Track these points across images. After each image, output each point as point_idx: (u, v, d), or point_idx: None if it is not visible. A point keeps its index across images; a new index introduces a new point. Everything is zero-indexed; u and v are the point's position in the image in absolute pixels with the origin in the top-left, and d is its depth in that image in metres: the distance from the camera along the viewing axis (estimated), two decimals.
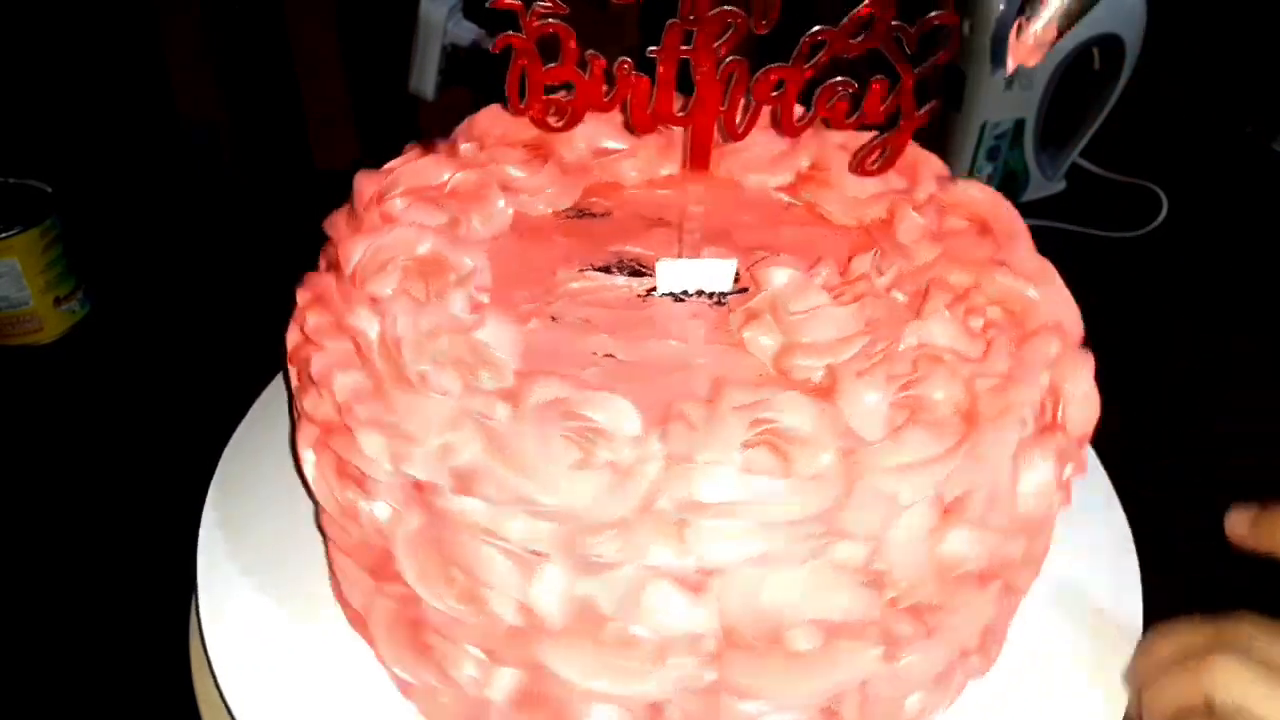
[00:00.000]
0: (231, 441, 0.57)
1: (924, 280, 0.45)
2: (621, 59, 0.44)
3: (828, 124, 0.45)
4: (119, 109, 1.03)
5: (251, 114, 1.08)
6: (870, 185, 0.51)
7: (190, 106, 1.06)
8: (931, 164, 0.52)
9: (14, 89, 0.98)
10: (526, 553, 0.37)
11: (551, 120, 0.46)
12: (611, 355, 0.44)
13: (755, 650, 0.37)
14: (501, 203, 0.51)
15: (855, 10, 0.41)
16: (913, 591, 0.38)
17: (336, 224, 0.49)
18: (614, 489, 0.36)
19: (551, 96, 0.45)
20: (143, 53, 1.01)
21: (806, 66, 0.42)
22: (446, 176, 0.51)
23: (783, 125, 0.45)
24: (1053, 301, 0.45)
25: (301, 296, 0.46)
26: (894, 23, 0.41)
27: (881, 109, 0.44)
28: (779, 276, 0.43)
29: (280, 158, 1.11)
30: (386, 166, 0.51)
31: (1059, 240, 0.99)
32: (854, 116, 0.44)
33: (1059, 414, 0.43)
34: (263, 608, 0.48)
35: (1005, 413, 0.38)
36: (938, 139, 1.03)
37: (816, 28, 0.41)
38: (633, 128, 0.46)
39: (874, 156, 0.47)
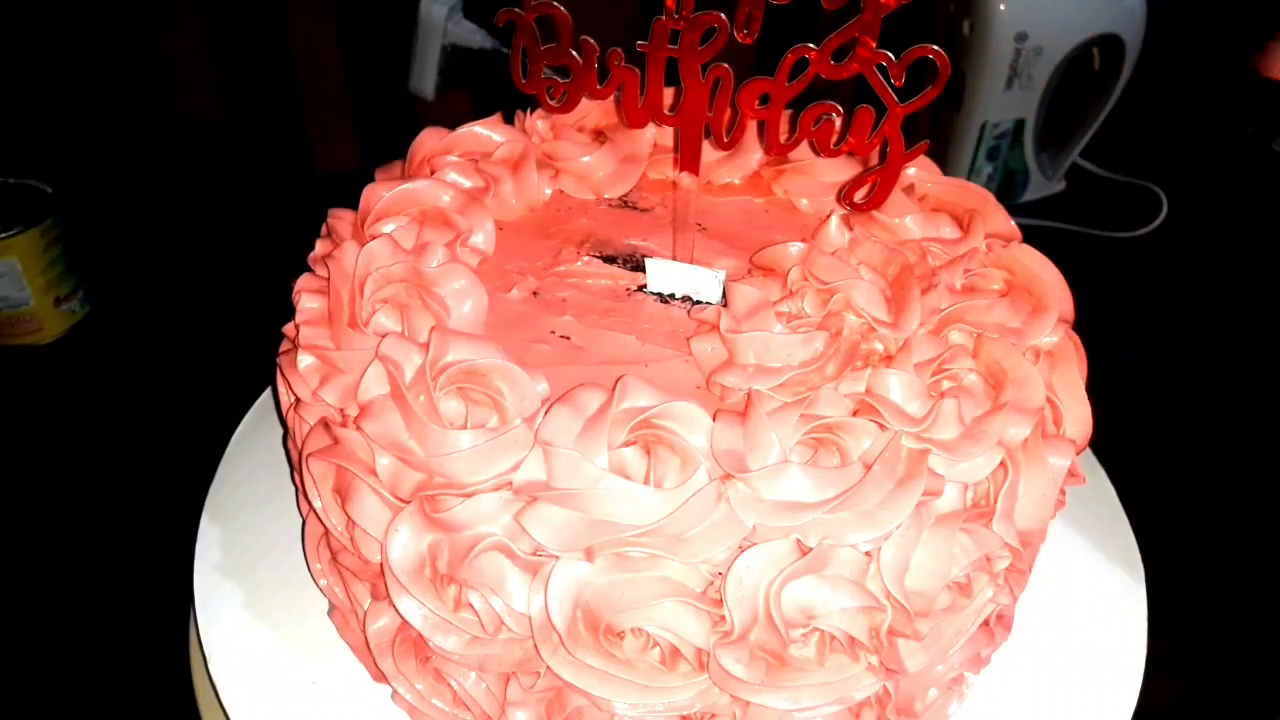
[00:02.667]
0: (230, 445, 0.57)
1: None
2: (613, 49, 0.44)
3: (814, 147, 0.43)
4: (119, 109, 1.03)
5: (251, 114, 1.08)
6: (919, 229, 0.48)
7: (190, 106, 1.06)
8: (994, 220, 0.50)
9: (14, 89, 0.98)
10: (395, 499, 0.39)
11: (550, 101, 0.46)
12: (567, 337, 0.45)
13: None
14: (537, 178, 0.52)
15: (836, 32, 0.39)
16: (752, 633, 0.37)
17: (387, 171, 0.52)
18: (478, 459, 0.37)
19: (551, 78, 0.45)
20: (143, 53, 1.01)
21: (790, 83, 0.41)
22: (501, 144, 0.53)
23: (768, 141, 0.43)
24: (1066, 384, 0.43)
25: (327, 227, 0.49)
26: (877, 50, 0.39)
27: (869, 142, 0.41)
28: (743, 293, 0.43)
29: (280, 158, 1.11)
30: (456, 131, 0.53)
31: (1059, 240, 0.99)
32: (841, 144, 0.42)
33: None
34: (259, 624, 0.48)
35: (912, 476, 0.37)
36: (938, 139, 1.03)
37: (798, 44, 0.40)
38: (625, 120, 0.46)
39: (862, 192, 0.44)
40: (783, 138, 0.44)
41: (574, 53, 0.44)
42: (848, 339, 0.41)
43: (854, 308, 0.42)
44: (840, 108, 0.41)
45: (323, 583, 0.47)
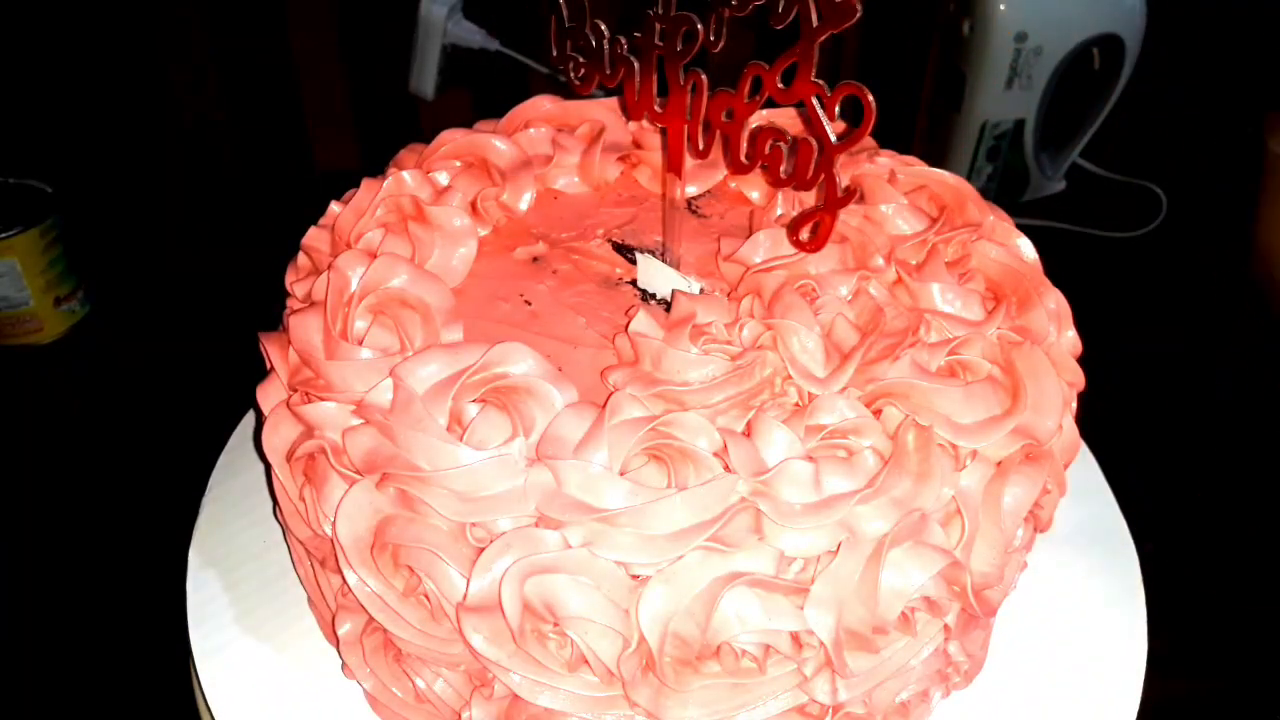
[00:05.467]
0: (223, 454, 0.57)
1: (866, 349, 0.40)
2: (619, 38, 0.44)
3: (766, 170, 0.41)
4: (119, 109, 1.03)
5: (251, 114, 1.08)
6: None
7: (190, 106, 1.06)
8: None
9: (14, 89, 0.98)
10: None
11: (574, 79, 0.46)
12: (529, 303, 0.47)
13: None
14: (600, 160, 0.54)
15: (783, 55, 0.37)
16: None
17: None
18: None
19: (574, 55, 0.46)
20: (143, 53, 1.01)
21: (749, 99, 0.39)
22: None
23: (731, 157, 0.42)
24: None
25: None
26: (814, 81, 0.36)
27: (809, 176, 0.39)
28: (681, 304, 0.43)
29: (280, 158, 1.11)
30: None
31: (1059, 240, 0.99)
32: (789, 174, 0.39)
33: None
34: (254, 641, 0.48)
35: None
36: (938, 139, 1.03)
37: (754, 62, 0.39)
38: (626, 112, 0.46)
39: (804, 232, 0.42)
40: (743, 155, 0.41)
41: (589, 35, 0.44)
42: (758, 376, 0.39)
43: (780, 350, 0.40)
44: (788, 136, 0.39)
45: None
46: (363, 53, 1.06)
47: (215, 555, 0.51)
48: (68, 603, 0.65)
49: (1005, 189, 1.04)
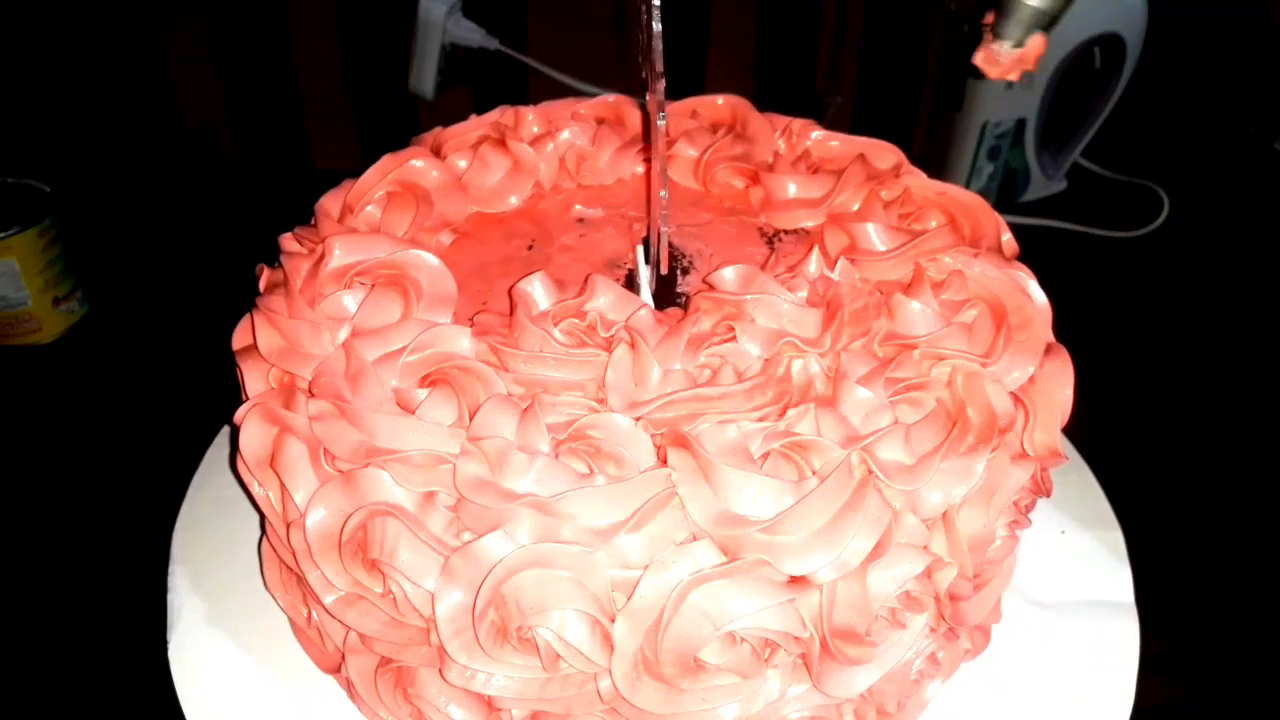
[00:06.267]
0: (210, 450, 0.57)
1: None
2: None
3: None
4: (119, 109, 1.03)
5: (251, 114, 1.08)
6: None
7: (190, 106, 1.06)
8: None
9: (14, 89, 0.98)
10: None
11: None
12: (531, 247, 0.50)
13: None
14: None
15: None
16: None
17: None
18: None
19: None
20: (143, 53, 1.01)
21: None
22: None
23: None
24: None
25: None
26: None
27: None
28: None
29: (280, 158, 1.11)
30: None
31: (1059, 240, 0.99)
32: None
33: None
34: (231, 648, 0.48)
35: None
36: (939, 139, 1.03)
37: None
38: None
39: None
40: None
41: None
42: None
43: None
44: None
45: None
46: (363, 53, 1.06)
47: (196, 551, 0.51)
48: (67, 602, 0.65)
49: (1006, 189, 1.04)
